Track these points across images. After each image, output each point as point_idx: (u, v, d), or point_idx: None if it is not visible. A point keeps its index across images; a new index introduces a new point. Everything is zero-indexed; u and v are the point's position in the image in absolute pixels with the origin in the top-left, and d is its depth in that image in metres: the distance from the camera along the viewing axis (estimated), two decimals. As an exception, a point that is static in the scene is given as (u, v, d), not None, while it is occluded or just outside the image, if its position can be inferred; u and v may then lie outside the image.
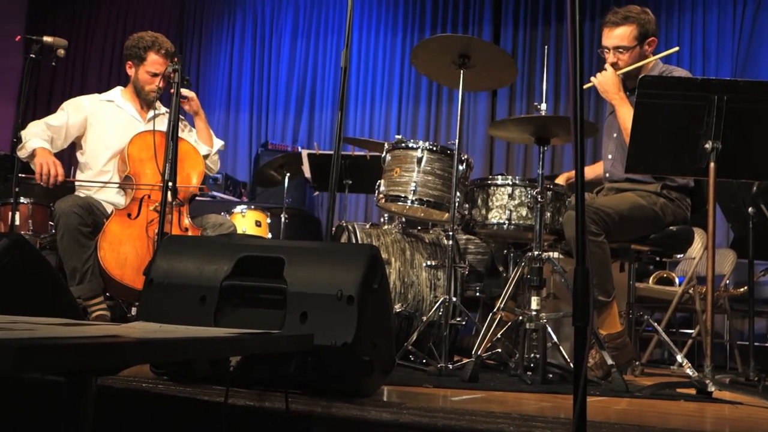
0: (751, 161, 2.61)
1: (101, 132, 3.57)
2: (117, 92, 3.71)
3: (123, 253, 3.21)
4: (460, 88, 3.08)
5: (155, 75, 3.58)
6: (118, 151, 3.52)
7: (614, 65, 3.23)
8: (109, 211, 3.36)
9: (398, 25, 7.38)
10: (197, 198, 3.90)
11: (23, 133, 3.44)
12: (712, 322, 2.51)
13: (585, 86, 3.36)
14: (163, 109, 3.70)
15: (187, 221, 3.41)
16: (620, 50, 3.20)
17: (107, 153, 3.54)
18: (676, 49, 3.28)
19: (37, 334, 0.98)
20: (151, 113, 3.66)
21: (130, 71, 3.65)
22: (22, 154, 3.42)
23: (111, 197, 3.48)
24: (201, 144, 3.69)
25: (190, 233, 3.36)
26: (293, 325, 1.77)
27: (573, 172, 3.44)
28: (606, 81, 3.20)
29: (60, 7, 8.28)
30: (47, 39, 3.52)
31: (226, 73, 7.85)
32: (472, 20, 7.09)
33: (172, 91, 3.21)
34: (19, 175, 3.51)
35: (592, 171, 3.57)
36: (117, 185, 3.47)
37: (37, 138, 3.42)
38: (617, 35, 3.21)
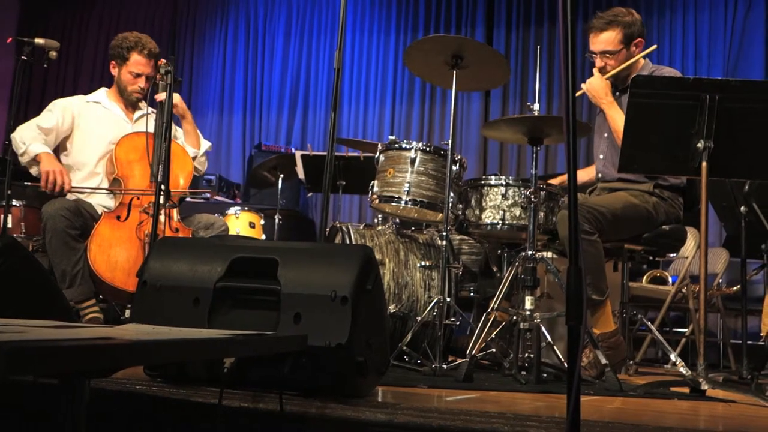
0: (743, 160, 2.62)
1: (89, 133, 3.55)
2: (102, 93, 3.70)
3: (113, 255, 3.20)
4: (453, 89, 3.08)
5: (138, 75, 3.57)
6: (106, 152, 3.50)
7: (602, 69, 3.26)
8: (99, 213, 3.34)
9: (391, 26, 7.38)
10: (189, 200, 3.89)
11: (15, 137, 3.41)
12: (705, 320, 2.52)
13: (576, 93, 3.40)
14: (149, 110, 3.69)
15: (177, 222, 3.40)
16: (607, 55, 3.23)
17: (95, 155, 3.53)
18: (655, 47, 3.32)
19: (28, 337, 0.98)
20: (137, 114, 3.65)
21: (114, 71, 3.65)
22: (24, 159, 3.38)
23: (100, 199, 3.46)
24: (188, 146, 3.67)
25: (180, 234, 3.35)
26: (287, 326, 1.77)
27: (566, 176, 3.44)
28: (594, 86, 3.24)
29: (52, 9, 8.25)
30: (39, 41, 3.50)
31: (219, 74, 7.83)
32: (465, 21, 7.10)
33: (156, 96, 3.20)
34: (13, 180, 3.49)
35: (585, 174, 3.58)
36: (109, 191, 3.44)
37: (37, 142, 3.39)
38: (602, 40, 3.23)
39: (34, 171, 3.42)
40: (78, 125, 3.56)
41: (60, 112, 3.54)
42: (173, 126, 3.75)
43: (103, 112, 3.62)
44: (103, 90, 3.73)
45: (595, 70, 3.29)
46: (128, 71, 3.58)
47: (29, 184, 3.38)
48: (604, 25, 3.22)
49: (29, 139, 3.39)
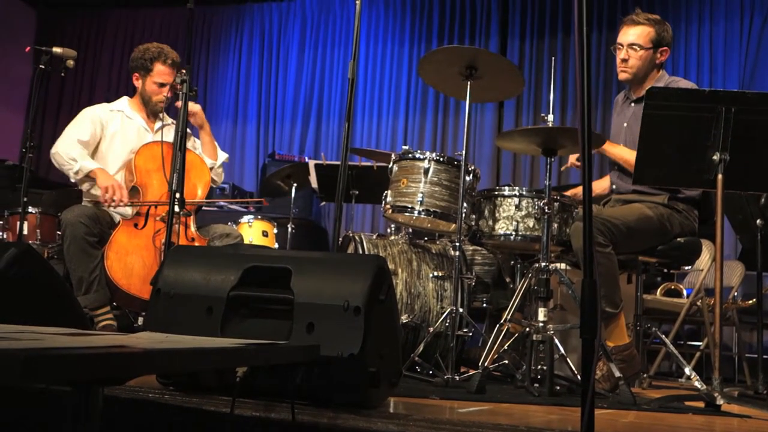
0: (759, 173, 2.60)
1: (113, 141, 3.59)
2: (125, 102, 3.73)
3: (130, 263, 3.22)
4: (467, 100, 3.08)
5: (162, 85, 3.60)
6: (127, 160, 3.53)
7: (624, 62, 3.26)
8: (116, 221, 3.36)
9: (405, 37, 7.40)
10: (204, 208, 3.90)
11: (60, 154, 3.40)
12: (720, 334, 2.50)
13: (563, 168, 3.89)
14: (170, 120, 3.71)
15: (193, 231, 3.42)
16: (635, 47, 3.24)
17: (118, 163, 3.56)
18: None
19: (43, 344, 0.99)
20: (158, 124, 3.68)
21: (137, 83, 3.67)
22: (79, 176, 3.41)
23: (118, 208, 3.48)
24: (205, 157, 3.70)
25: (196, 243, 3.37)
26: (300, 336, 1.77)
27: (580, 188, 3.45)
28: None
29: (69, 18, 8.34)
30: (57, 50, 3.54)
31: (233, 83, 7.88)
32: (479, 32, 7.11)
33: (177, 104, 3.22)
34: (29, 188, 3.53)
35: (597, 186, 3.57)
36: (148, 203, 3.45)
37: (87, 158, 3.42)
38: (634, 33, 3.25)
39: (85, 186, 3.45)
40: (104, 134, 3.60)
41: (92, 123, 3.56)
42: (192, 137, 3.78)
43: (125, 121, 3.66)
44: (125, 99, 3.76)
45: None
46: (153, 81, 3.61)
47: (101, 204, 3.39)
48: (642, 20, 3.27)
49: (78, 156, 3.41)
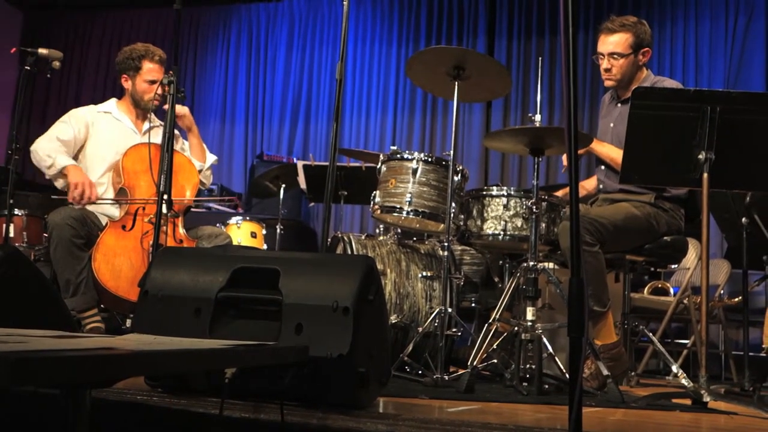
0: (744, 172, 2.62)
1: (99, 143, 3.57)
2: (113, 104, 3.71)
3: (117, 264, 3.20)
4: (455, 100, 3.09)
5: (153, 82, 3.59)
6: (114, 163, 3.51)
7: (607, 71, 3.27)
8: (104, 223, 3.34)
9: (393, 37, 7.41)
10: (192, 209, 3.89)
11: (38, 150, 3.40)
12: (706, 332, 2.51)
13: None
14: (158, 122, 3.70)
15: (181, 232, 3.40)
16: (615, 56, 3.25)
17: (104, 165, 3.54)
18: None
19: (31, 347, 0.98)
20: (146, 125, 3.66)
21: (126, 84, 3.66)
22: (51, 171, 3.38)
23: (105, 209, 3.46)
24: (194, 159, 3.68)
25: (185, 245, 3.36)
26: (289, 337, 1.77)
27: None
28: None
29: (55, 19, 8.29)
30: (42, 51, 3.52)
31: (221, 84, 7.85)
32: (467, 32, 7.12)
33: (165, 107, 3.21)
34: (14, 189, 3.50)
35: (587, 185, 3.59)
36: (125, 201, 3.44)
37: (62, 155, 3.40)
38: (612, 42, 3.25)
39: (59, 183, 3.43)
40: (91, 135, 3.58)
41: (76, 123, 3.55)
42: (180, 139, 3.77)
43: (113, 123, 3.64)
44: (113, 101, 3.74)
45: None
46: (143, 80, 3.60)
47: (68, 201, 3.36)
48: (617, 27, 3.25)
49: (54, 151, 3.39)
